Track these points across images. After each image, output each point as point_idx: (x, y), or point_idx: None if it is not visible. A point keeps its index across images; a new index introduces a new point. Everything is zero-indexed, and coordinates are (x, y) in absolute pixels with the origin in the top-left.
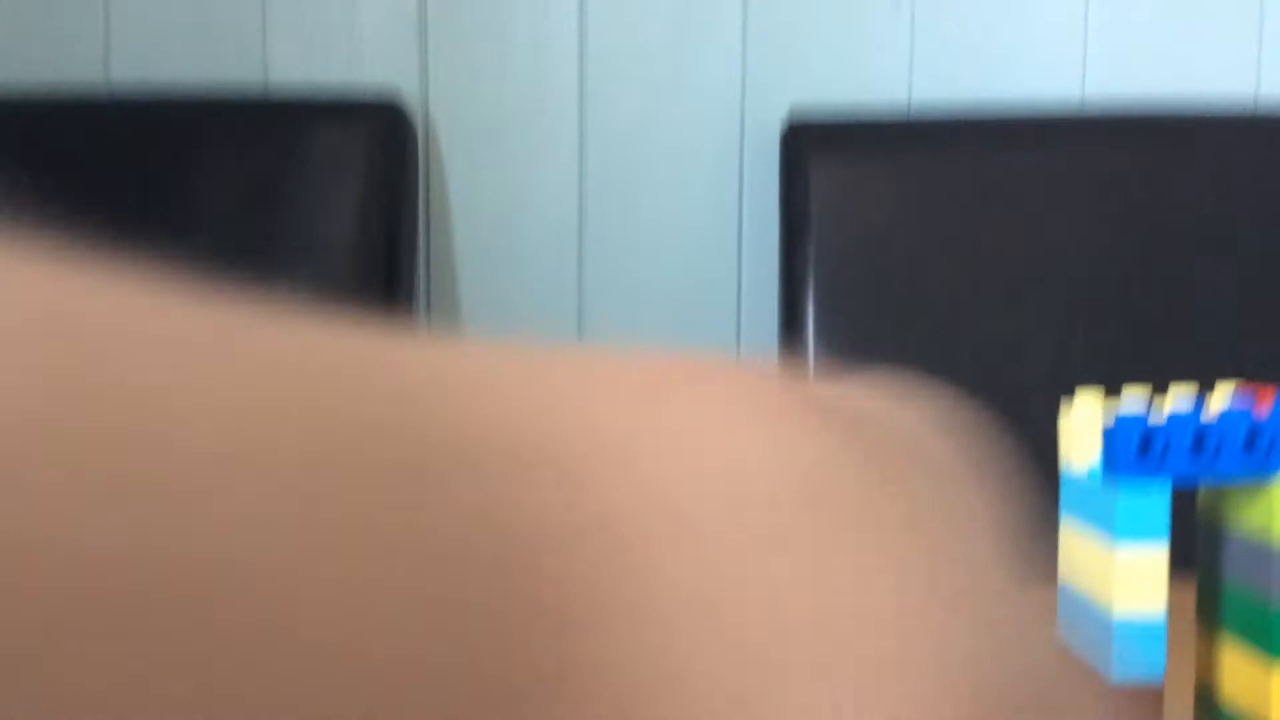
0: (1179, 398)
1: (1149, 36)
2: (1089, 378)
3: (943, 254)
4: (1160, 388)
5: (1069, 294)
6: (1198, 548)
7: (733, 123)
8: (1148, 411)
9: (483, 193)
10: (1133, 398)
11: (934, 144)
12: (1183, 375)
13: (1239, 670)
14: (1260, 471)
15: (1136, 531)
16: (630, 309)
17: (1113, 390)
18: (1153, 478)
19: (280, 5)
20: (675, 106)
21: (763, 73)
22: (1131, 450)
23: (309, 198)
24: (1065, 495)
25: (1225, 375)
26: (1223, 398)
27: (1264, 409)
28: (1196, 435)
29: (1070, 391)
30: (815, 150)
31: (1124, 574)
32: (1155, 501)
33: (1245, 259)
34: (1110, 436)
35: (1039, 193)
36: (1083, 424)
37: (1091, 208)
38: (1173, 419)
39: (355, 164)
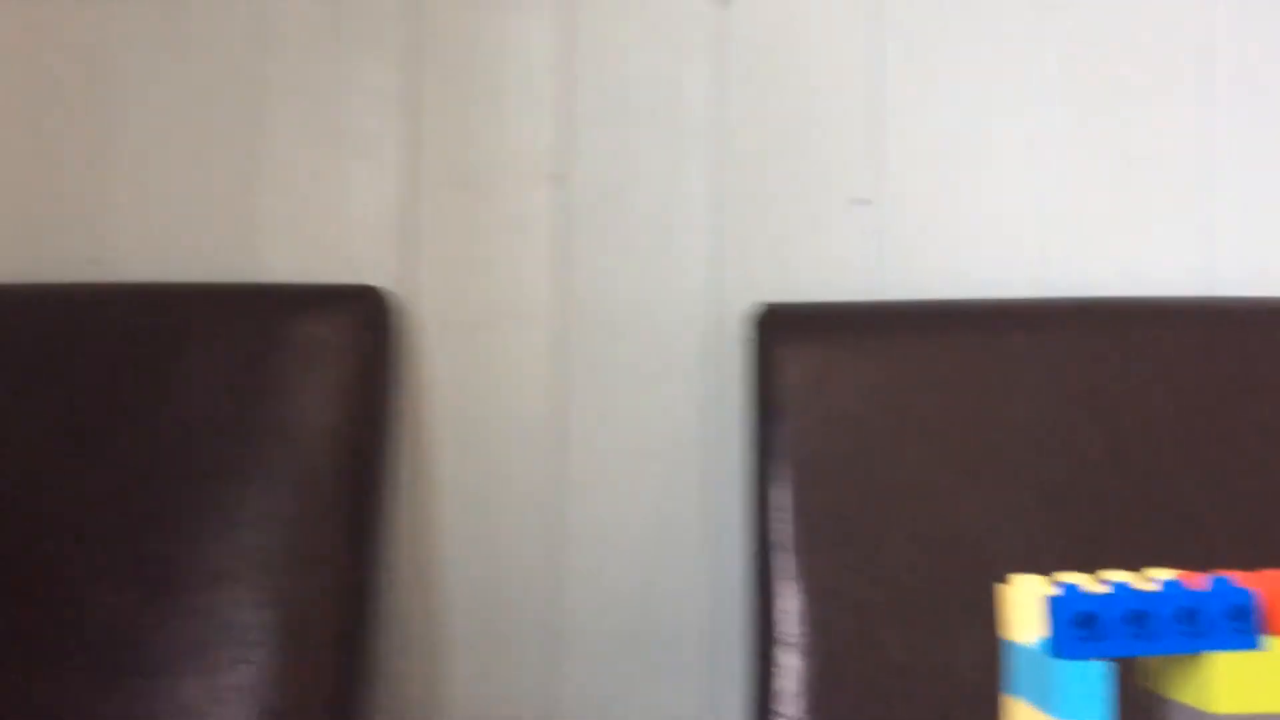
0: (1116, 581)
1: (1103, 223)
2: (1061, 557)
3: (912, 435)
4: (1130, 568)
5: (1038, 475)
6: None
7: (705, 313)
8: (1085, 593)
9: (462, 384)
10: (1071, 578)
11: (901, 329)
12: (1149, 558)
13: None
14: (1192, 646)
15: (1077, 708)
16: (605, 498)
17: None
18: (1092, 656)
19: (270, 202)
20: (649, 297)
21: (733, 266)
22: (1072, 629)
23: (293, 382)
24: (1010, 668)
25: (1187, 559)
26: (1155, 581)
27: (1196, 589)
28: (1134, 614)
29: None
30: (786, 334)
31: None
32: (1094, 678)
33: (1201, 443)
34: (1053, 615)
35: (1003, 376)
36: (1023, 601)
37: (1055, 390)
38: (1110, 598)
39: (338, 351)
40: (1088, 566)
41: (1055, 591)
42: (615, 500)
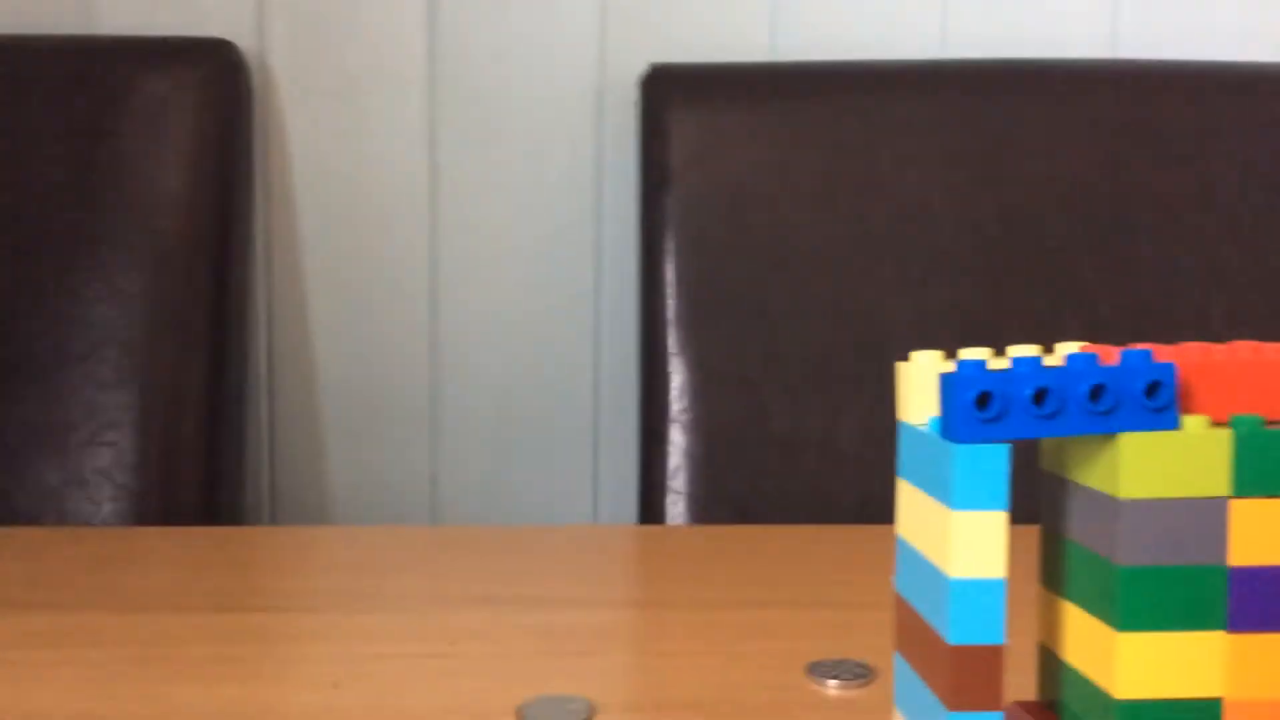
0: (1020, 356)
1: None
2: (947, 332)
3: (803, 205)
4: (1024, 340)
5: (929, 245)
6: (1040, 503)
7: (590, 74)
8: (985, 370)
9: (326, 147)
10: (972, 355)
11: (795, 92)
12: (1040, 334)
13: (1083, 633)
14: (1103, 426)
15: (974, 496)
16: (487, 263)
17: (979, 342)
18: (990, 441)
19: None
20: (530, 58)
21: (621, 23)
22: (969, 410)
23: (137, 145)
24: (903, 452)
25: (1080, 335)
26: (1063, 357)
27: (1108, 364)
28: (1036, 393)
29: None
30: (675, 98)
31: (961, 538)
32: (993, 466)
33: (1099, 213)
34: (948, 395)
35: (900, 141)
36: (921, 380)
37: (952, 157)
38: (1012, 375)
39: (186, 110)
40: (979, 339)
41: (954, 367)
42: (497, 281)
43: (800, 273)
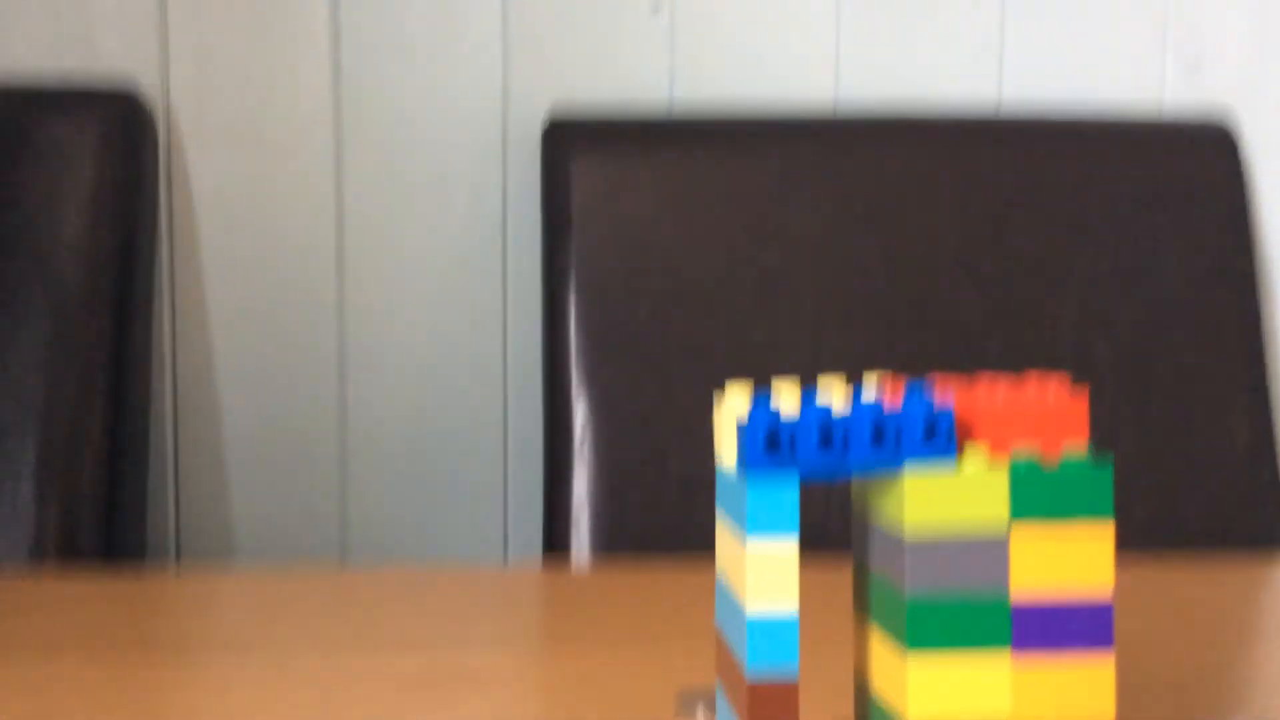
0: (810, 396)
1: (898, 38)
2: (841, 371)
3: (701, 250)
4: (911, 375)
5: (822, 288)
6: (852, 538)
7: (494, 123)
8: (775, 413)
9: (231, 194)
10: (769, 392)
11: (692, 143)
12: (928, 367)
13: (883, 660)
14: (887, 464)
15: (765, 525)
16: (392, 313)
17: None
18: (779, 472)
19: None
20: (434, 106)
21: (523, 73)
22: (760, 445)
23: (37, 191)
24: (718, 489)
25: (963, 368)
26: (848, 393)
27: (893, 402)
28: (822, 434)
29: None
30: (576, 148)
31: (755, 568)
32: (782, 496)
33: (984, 259)
34: (741, 436)
35: (793, 191)
36: (729, 418)
37: (843, 205)
38: (800, 418)
39: (87, 157)
40: (866, 376)
41: (745, 411)
42: (404, 323)
43: (697, 314)
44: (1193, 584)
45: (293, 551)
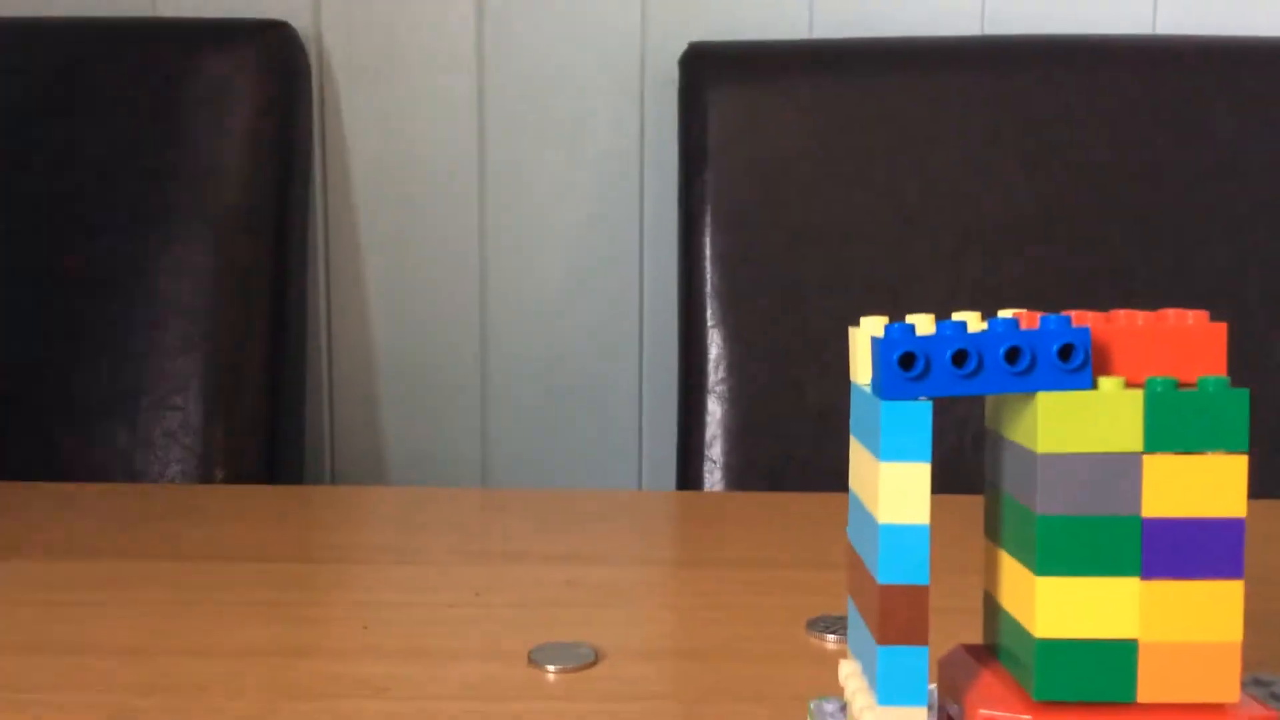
0: (951, 320)
1: None
2: (981, 305)
3: (839, 181)
4: (1056, 311)
5: (963, 219)
6: (985, 459)
7: (633, 57)
8: (911, 333)
9: (378, 124)
10: (909, 321)
11: (832, 70)
12: (1075, 304)
13: (1013, 579)
14: (1022, 385)
15: (899, 447)
16: (534, 237)
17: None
18: (914, 388)
19: None
20: (574, 40)
21: (663, 5)
22: (895, 369)
23: (199, 122)
24: (853, 411)
25: (1116, 304)
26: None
27: (1028, 328)
28: (956, 354)
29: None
30: (713, 77)
31: (888, 487)
32: (917, 419)
33: (1131, 186)
34: (876, 357)
35: (936, 119)
36: (862, 344)
37: (989, 135)
38: (935, 338)
39: (246, 87)
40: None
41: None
42: (544, 253)
43: (835, 247)
44: None
45: (437, 480)
